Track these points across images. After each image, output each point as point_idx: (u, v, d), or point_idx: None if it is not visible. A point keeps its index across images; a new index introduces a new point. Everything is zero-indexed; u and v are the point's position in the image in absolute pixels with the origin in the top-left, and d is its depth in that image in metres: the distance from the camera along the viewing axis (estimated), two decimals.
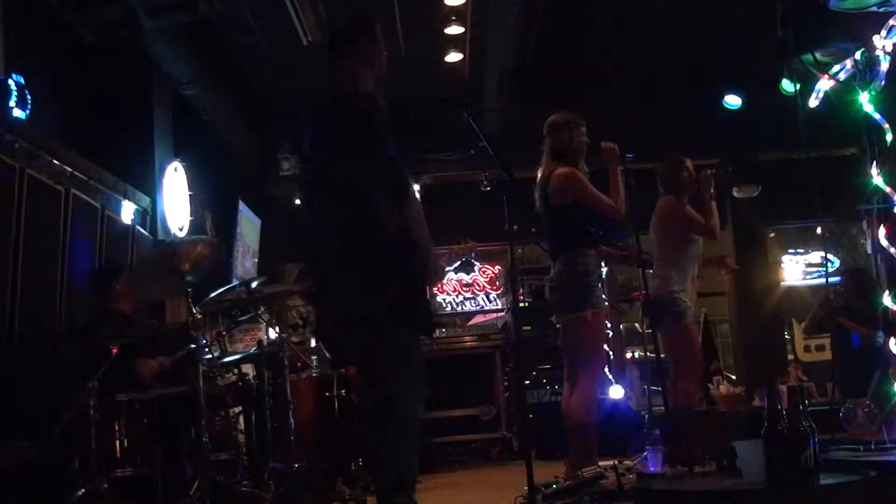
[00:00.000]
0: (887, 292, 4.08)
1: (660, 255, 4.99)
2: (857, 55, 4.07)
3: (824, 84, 4.20)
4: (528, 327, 7.21)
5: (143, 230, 6.49)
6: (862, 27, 4.01)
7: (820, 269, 11.18)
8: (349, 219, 3.13)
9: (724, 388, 5.99)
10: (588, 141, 4.69)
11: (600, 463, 4.33)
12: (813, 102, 4.24)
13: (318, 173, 3.30)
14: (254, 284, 4.82)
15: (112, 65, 6.40)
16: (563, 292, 4.54)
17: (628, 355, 9.19)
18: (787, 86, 5.00)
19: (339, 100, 3.33)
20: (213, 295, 4.69)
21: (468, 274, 10.04)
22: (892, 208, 3.94)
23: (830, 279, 8.69)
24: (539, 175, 4.69)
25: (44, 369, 4.89)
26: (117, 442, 4.12)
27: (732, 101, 7.99)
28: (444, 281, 9.76)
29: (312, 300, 3.61)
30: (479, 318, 10.01)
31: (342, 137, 3.20)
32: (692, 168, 5.14)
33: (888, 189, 3.94)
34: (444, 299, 10.13)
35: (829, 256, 11.13)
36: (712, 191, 5.09)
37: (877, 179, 3.95)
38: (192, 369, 4.15)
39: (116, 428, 4.12)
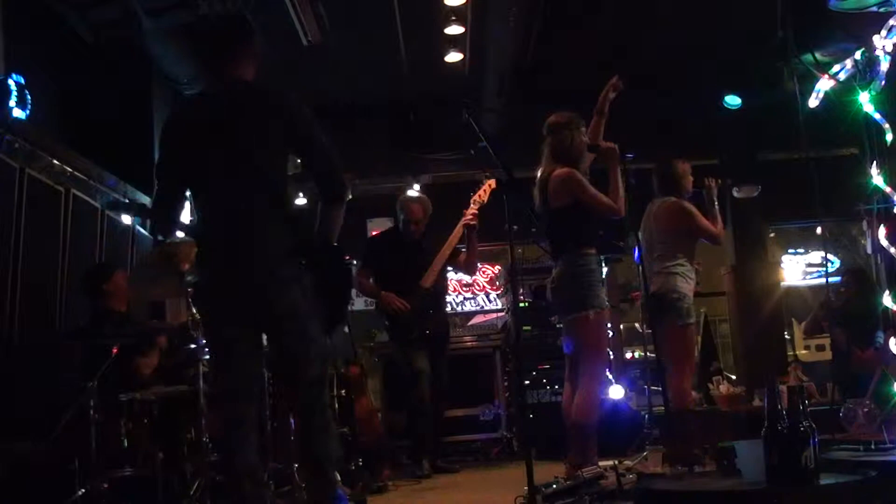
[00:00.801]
0: (887, 292, 4.08)
1: (664, 253, 4.99)
2: (857, 55, 4.08)
3: (824, 84, 4.20)
4: (528, 327, 7.20)
5: (143, 230, 6.49)
6: (862, 27, 4.01)
7: (820, 269, 11.17)
8: (267, 210, 3.25)
9: (724, 388, 5.98)
10: (588, 141, 4.69)
11: (600, 463, 4.33)
12: (813, 102, 4.24)
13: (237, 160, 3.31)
14: None
15: (112, 65, 6.40)
16: (564, 293, 4.54)
17: (628, 355, 9.18)
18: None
19: (255, 93, 3.37)
20: None
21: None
22: (892, 208, 3.95)
23: (830, 279, 8.68)
24: (539, 175, 4.69)
25: (44, 369, 4.89)
26: (117, 442, 4.12)
27: (732, 101, 7.98)
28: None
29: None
30: (479, 318, 9.99)
31: (270, 128, 3.31)
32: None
33: (888, 189, 3.94)
34: None
35: (829, 256, 11.11)
36: (716, 199, 5.19)
37: (877, 179, 3.96)
38: (192, 369, 4.15)
39: (117, 428, 4.12)
